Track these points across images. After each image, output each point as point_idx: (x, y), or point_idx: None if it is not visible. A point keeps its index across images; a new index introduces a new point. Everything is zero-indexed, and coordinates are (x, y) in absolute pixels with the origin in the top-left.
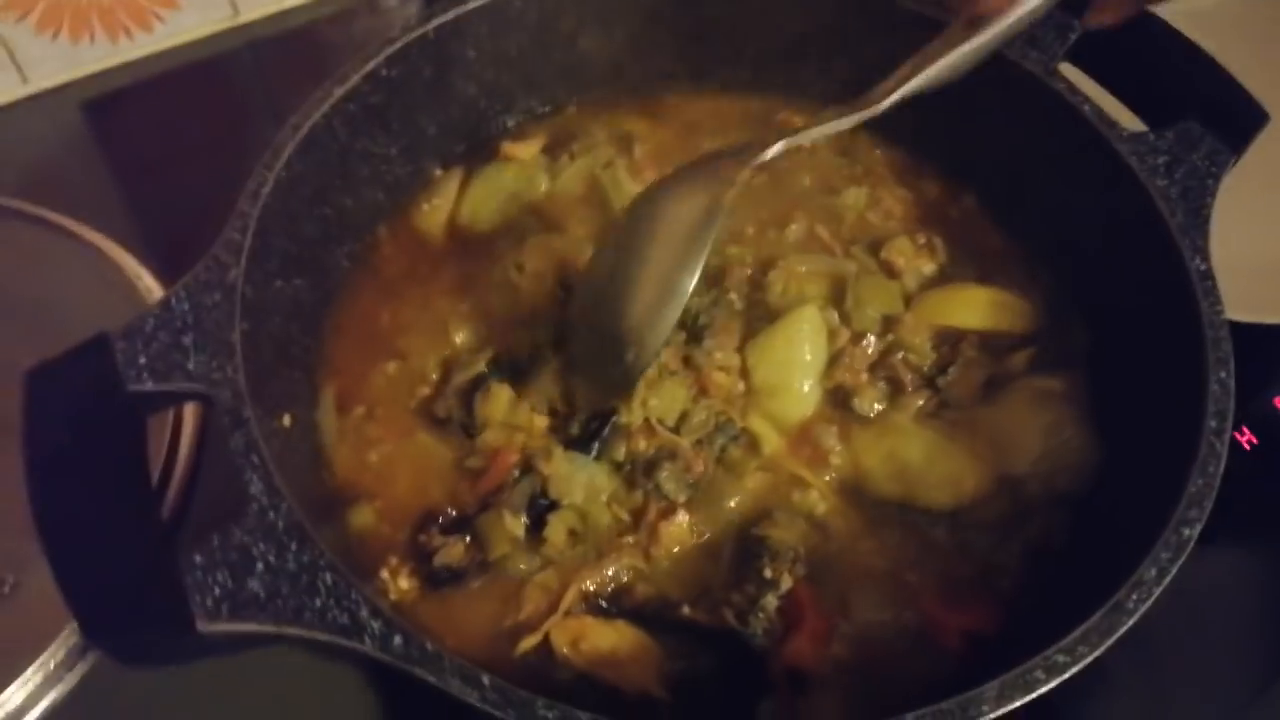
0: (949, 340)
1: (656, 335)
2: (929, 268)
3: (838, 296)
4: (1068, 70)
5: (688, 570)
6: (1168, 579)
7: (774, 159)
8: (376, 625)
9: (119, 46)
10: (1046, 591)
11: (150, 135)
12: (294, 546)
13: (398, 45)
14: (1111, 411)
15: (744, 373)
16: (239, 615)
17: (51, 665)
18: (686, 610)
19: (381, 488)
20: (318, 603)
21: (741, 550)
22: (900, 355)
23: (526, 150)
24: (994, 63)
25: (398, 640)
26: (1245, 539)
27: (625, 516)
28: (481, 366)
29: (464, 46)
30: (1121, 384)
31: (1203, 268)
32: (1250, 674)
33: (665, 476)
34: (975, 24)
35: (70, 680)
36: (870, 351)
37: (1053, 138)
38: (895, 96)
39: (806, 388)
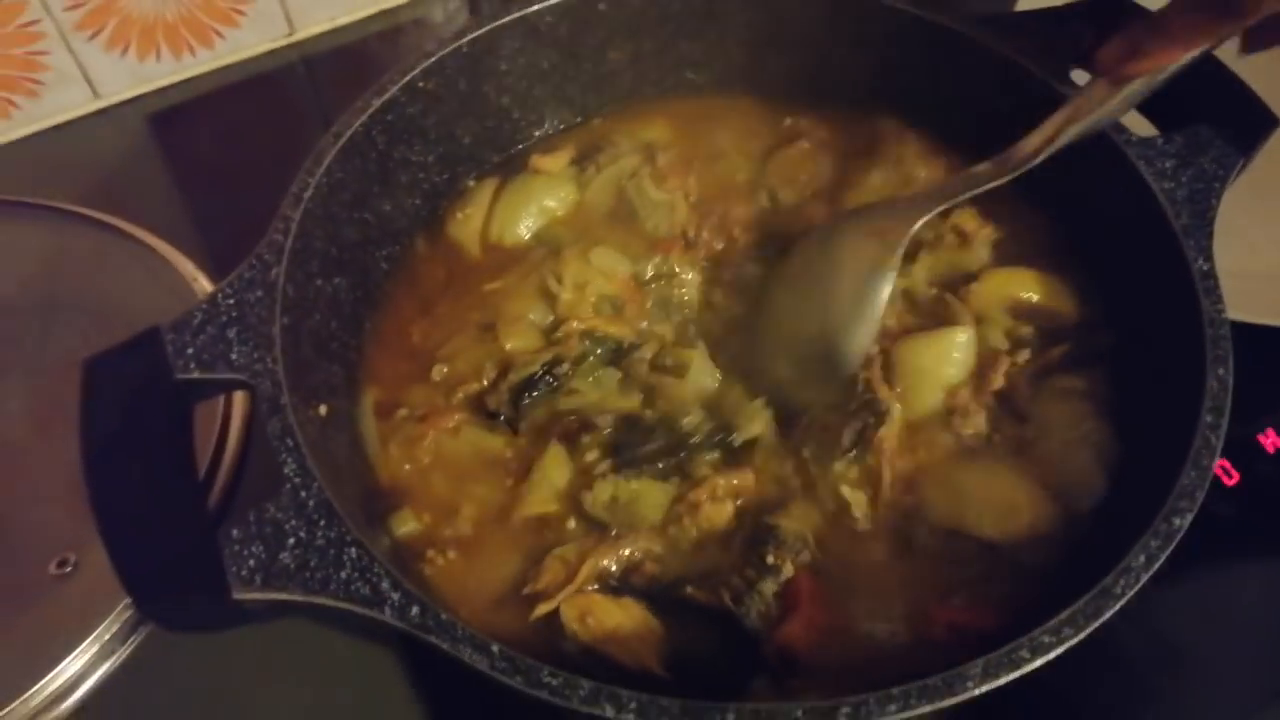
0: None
1: (853, 353)
2: (996, 235)
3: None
4: (1081, 77)
5: (701, 554)
6: (1156, 565)
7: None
8: (396, 596)
9: (183, 63)
10: (1058, 586)
11: (210, 146)
12: (323, 523)
13: (433, 59)
14: (1129, 409)
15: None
16: (271, 585)
17: (107, 638)
18: (690, 590)
19: (425, 488)
20: (343, 575)
21: (751, 536)
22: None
23: (554, 163)
24: (1007, 70)
25: (415, 610)
26: (1273, 542)
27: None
28: (536, 368)
29: (497, 60)
30: (1137, 382)
31: (1205, 268)
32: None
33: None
34: (1121, 81)
35: (123, 653)
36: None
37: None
38: (1046, 153)
39: (934, 401)
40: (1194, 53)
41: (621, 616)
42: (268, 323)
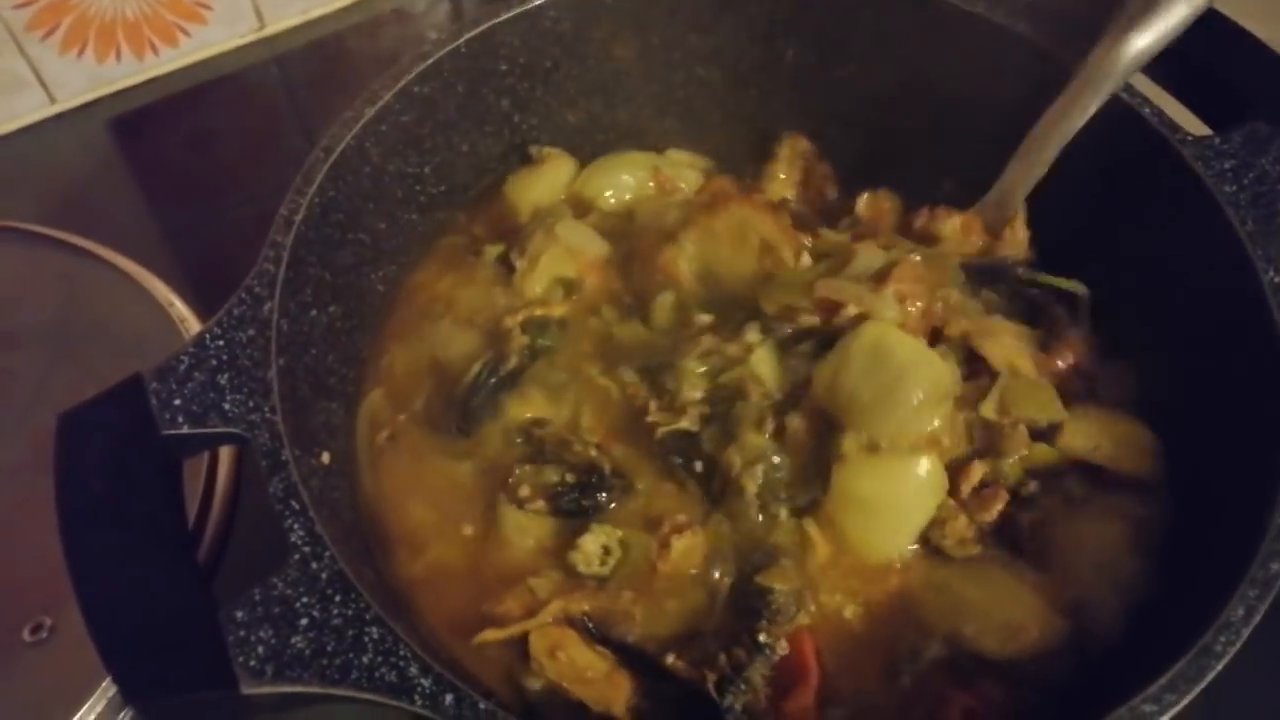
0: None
1: None
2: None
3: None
4: None
5: (684, 604)
6: (1256, 618)
7: None
8: (426, 683)
9: (145, 63)
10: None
11: (177, 152)
12: (338, 598)
13: (429, 61)
14: (1182, 439)
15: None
16: (284, 676)
17: (93, 718)
18: (671, 659)
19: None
20: (365, 659)
21: (739, 597)
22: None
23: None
24: (1046, 66)
25: (449, 699)
26: None
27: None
28: (478, 370)
29: (496, 60)
30: (1193, 405)
31: (1277, 280)
32: None
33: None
34: None
35: None
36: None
37: (1111, 144)
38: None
39: (900, 550)
40: None
41: (594, 657)
42: (262, 365)
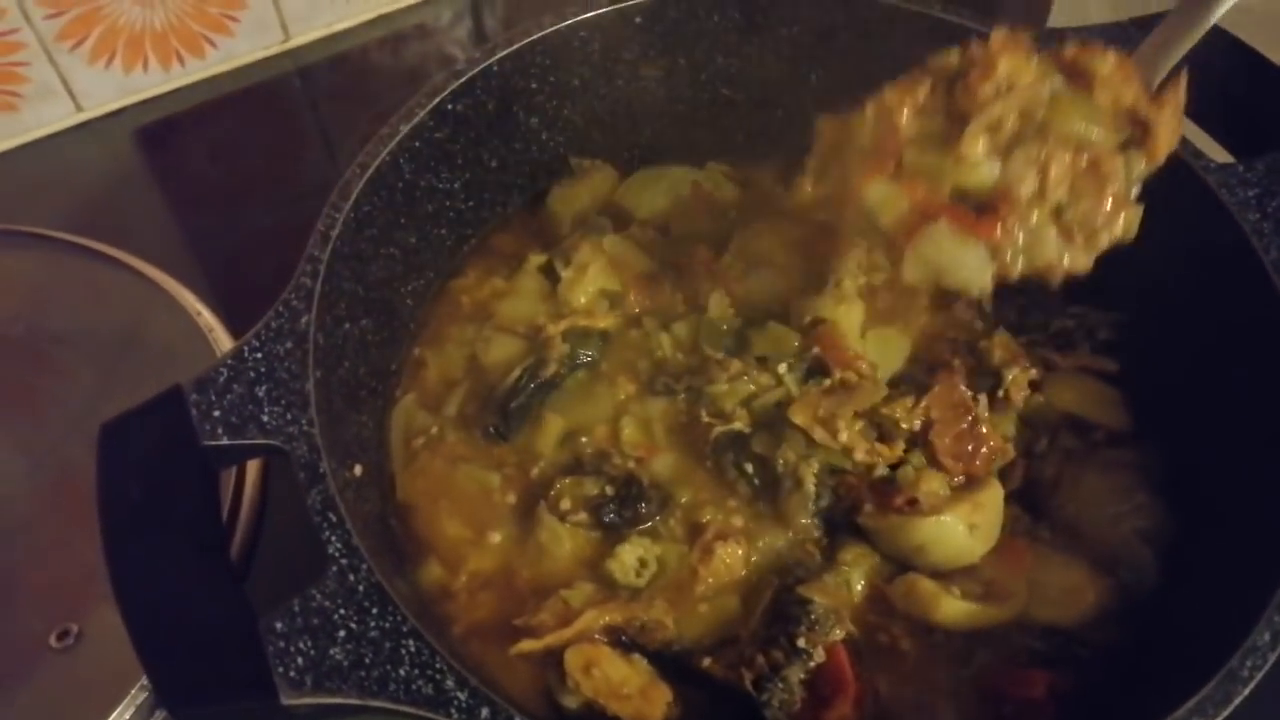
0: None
1: None
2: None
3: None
4: None
5: (719, 611)
6: None
7: None
8: (463, 696)
9: (171, 74)
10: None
11: (200, 162)
12: (375, 611)
13: (463, 79)
14: (1199, 470)
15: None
16: (323, 687)
17: None
18: (707, 662)
19: (438, 526)
20: (402, 672)
21: (779, 606)
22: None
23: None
24: None
25: (485, 712)
26: None
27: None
28: (518, 374)
29: (527, 79)
30: (1212, 433)
31: None
32: None
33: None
34: None
35: None
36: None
37: None
38: None
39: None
40: None
41: (629, 672)
42: (300, 378)
